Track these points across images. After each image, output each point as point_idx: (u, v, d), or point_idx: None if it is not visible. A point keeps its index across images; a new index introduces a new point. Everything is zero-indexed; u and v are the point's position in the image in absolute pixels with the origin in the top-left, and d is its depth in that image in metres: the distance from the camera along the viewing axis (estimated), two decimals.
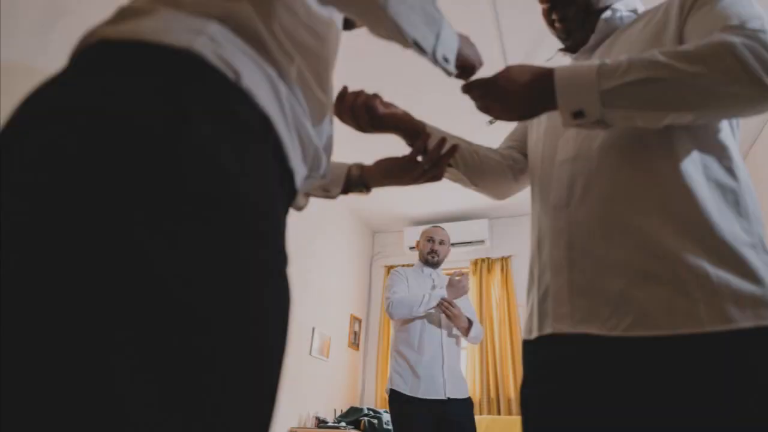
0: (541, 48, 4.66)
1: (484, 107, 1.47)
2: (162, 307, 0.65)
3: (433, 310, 4.56)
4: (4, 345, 0.57)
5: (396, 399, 4.40)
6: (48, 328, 0.59)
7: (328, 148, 1.22)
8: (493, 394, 7.26)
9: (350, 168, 1.83)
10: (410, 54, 1.26)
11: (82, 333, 0.60)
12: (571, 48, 1.80)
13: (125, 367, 0.61)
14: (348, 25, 1.46)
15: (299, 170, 1.04)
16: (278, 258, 0.88)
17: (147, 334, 0.63)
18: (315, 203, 1.78)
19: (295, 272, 1.13)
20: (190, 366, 0.66)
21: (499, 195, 2.07)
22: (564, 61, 1.82)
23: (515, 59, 4.80)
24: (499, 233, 8.22)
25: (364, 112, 1.72)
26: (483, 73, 1.46)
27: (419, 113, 1.89)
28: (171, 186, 0.70)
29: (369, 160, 1.86)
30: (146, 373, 0.62)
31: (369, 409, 7.21)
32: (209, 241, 0.72)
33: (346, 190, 1.82)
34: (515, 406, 7.12)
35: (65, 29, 3.25)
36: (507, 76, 1.41)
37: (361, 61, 4.83)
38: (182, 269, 0.68)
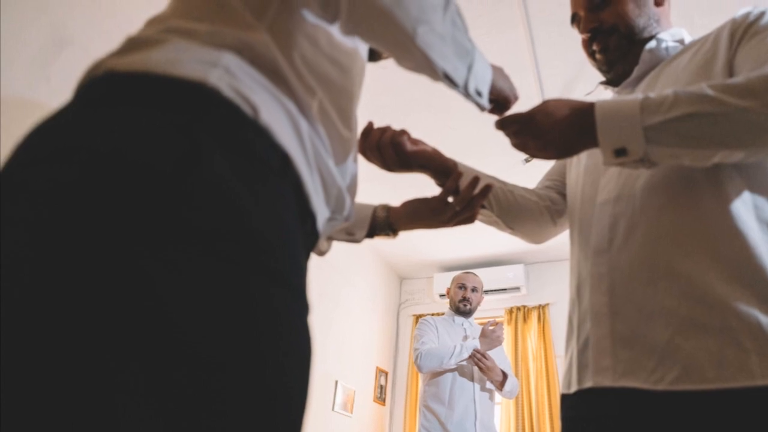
0: (580, 81, 4.66)
1: (519, 144, 1.46)
2: (168, 347, 0.65)
3: (465, 363, 4.53)
4: (4, 381, 0.57)
5: None
6: (50, 367, 0.59)
7: (352, 189, 1.21)
8: None
9: (376, 210, 1.82)
10: (440, 87, 1.26)
11: (86, 371, 0.60)
12: (612, 81, 1.79)
13: (129, 406, 0.60)
14: (373, 56, 1.47)
15: (321, 212, 1.04)
16: (298, 303, 0.88)
17: (153, 375, 0.63)
18: (338, 247, 1.77)
19: (316, 321, 1.12)
20: (197, 410, 0.66)
21: (536, 238, 2.06)
22: (605, 95, 1.81)
23: (553, 93, 4.81)
24: (536, 279, 8.16)
25: (391, 149, 1.72)
26: (518, 107, 1.46)
27: (450, 151, 1.89)
28: (179, 222, 0.70)
29: (396, 201, 1.85)
30: (151, 413, 0.62)
31: None
32: (219, 279, 0.72)
33: (371, 234, 1.82)
34: None
35: (69, 60, 3.28)
36: (544, 110, 1.40)
37: (387, 95, 4.85)
38: (189, 307, 0.68)
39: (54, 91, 3.13)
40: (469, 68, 1.19)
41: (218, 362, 0.69)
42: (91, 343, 0.61)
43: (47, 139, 0.78)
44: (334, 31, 1.08)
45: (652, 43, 1.67)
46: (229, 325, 0.71)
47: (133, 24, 1.06)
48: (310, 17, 1.03)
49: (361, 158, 1.52)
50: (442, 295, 8.11)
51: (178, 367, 0.65)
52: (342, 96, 1.10)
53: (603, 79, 1.84)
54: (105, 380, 0.60)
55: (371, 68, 1.43)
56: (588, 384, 1.44)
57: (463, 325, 4.89)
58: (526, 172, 5.53)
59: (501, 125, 1.47)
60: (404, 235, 1.89)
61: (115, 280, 0.64)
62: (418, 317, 8.46)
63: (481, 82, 1.25)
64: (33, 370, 0.59)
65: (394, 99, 4.93)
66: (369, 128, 1.74)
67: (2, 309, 0.60)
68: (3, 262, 0.63)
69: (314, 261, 1.20)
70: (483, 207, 1.89)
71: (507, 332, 7.77)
